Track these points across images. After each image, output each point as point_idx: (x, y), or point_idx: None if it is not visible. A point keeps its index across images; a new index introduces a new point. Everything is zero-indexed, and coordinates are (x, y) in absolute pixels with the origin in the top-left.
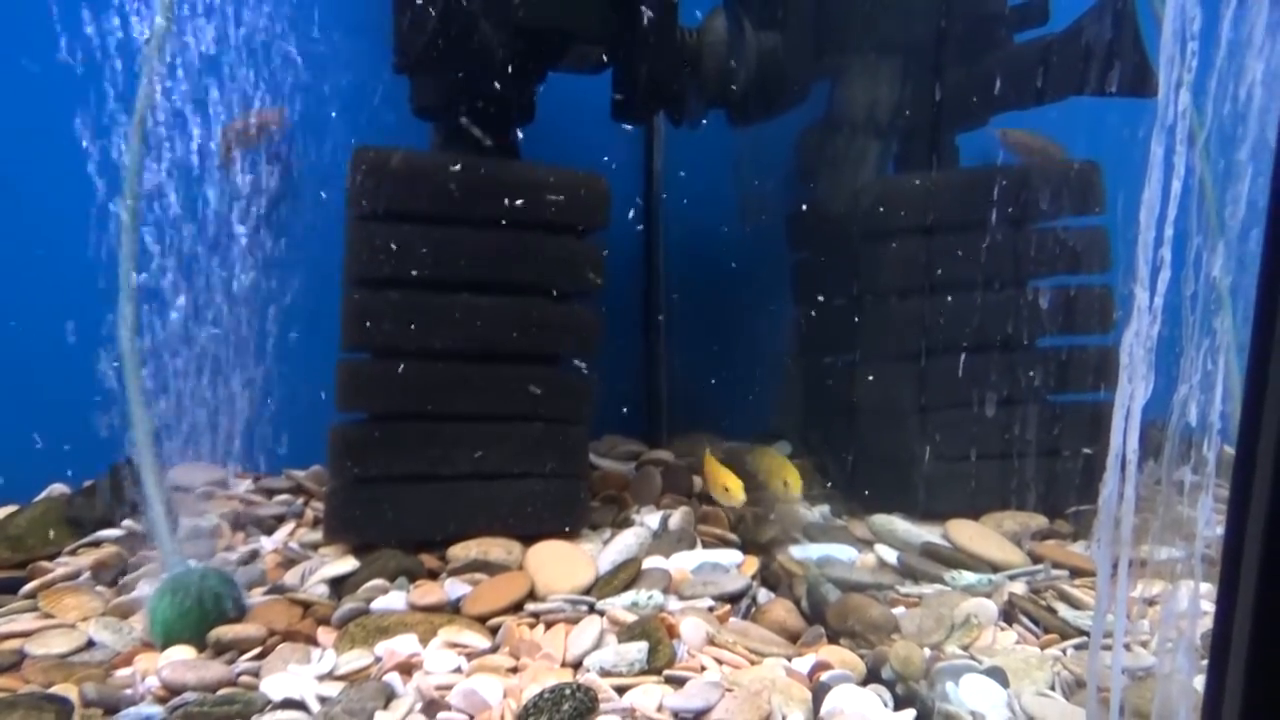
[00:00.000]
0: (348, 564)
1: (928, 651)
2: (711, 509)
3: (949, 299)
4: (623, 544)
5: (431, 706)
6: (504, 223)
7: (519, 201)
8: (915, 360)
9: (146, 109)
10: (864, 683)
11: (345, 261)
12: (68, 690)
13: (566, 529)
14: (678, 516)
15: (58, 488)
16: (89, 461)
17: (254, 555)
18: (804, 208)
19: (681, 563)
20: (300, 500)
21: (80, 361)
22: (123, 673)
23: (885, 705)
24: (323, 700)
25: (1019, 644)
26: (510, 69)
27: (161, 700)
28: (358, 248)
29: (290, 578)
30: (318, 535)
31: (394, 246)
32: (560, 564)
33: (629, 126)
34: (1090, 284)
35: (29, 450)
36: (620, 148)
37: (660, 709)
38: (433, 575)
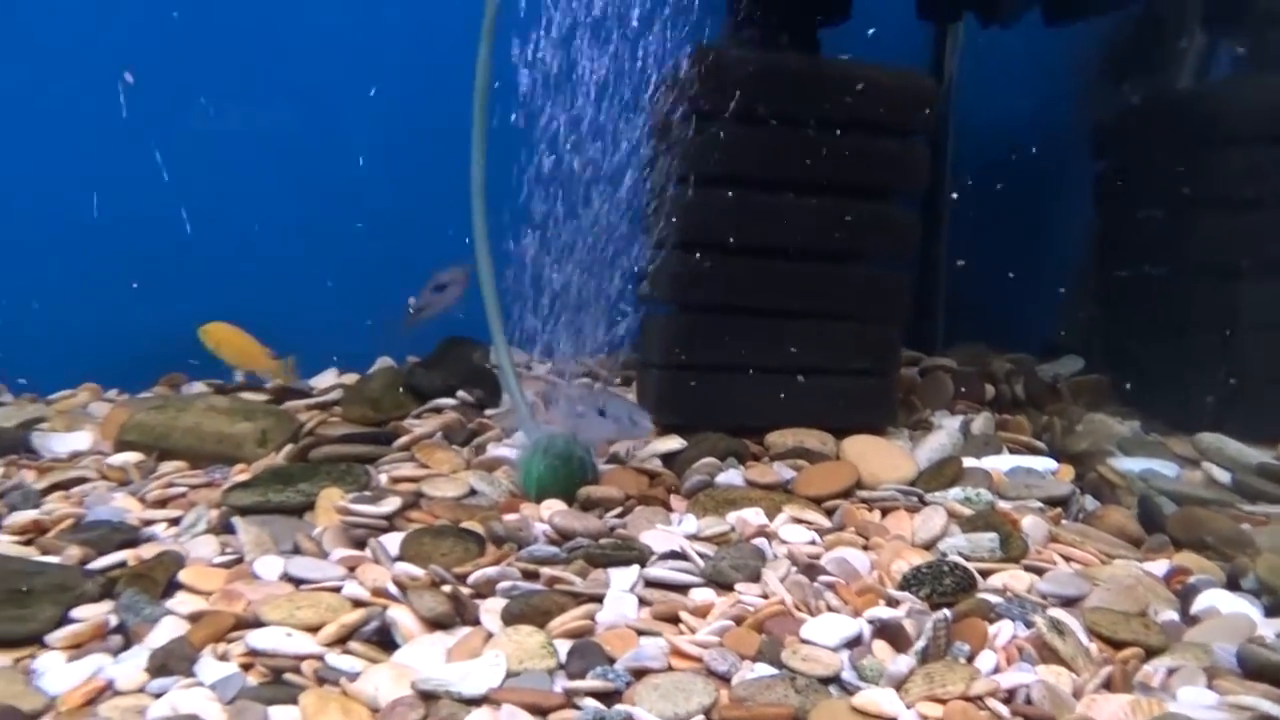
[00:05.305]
0: (674, 442)
1: None
2: (1012, 417)
3: None
4: (937, 443)
5: (810, 569)
6: (834, 122)
7: (849, 100)
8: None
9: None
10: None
11: (680, 158)
12: (474, 527)
13: (876, 425)
14: (980, 421)
15: (385, 360)
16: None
17: None
18: (1115, 112)
19: (993, 465)
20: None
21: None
22: (509, 517)
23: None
24: (702, 556)
25: None
26: None
27: (554, 543)
28: (699, 145)
29: (617, 451)
30: None
31: (730, 144)
32: (881, 456)
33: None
34: None
35: (360, 328)
36: (907, 46)
37: (1031, 591)
38: (755, 458)
